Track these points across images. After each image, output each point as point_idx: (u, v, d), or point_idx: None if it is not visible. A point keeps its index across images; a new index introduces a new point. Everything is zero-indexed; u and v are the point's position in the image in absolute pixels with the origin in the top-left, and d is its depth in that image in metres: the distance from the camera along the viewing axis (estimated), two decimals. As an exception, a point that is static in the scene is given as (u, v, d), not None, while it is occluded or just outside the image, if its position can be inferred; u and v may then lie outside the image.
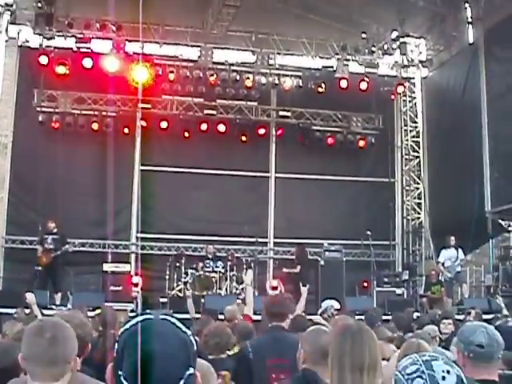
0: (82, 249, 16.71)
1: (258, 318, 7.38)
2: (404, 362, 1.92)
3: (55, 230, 14.67)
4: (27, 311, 7.94)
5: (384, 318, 9.29)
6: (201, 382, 1.63)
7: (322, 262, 15.69)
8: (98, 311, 7.40)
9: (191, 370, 1.56)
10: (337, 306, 9.43)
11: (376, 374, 2.75)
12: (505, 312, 10.31)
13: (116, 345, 1.60)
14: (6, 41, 17.61)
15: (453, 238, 15.27)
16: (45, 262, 14.30)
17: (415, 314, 10.37)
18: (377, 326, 6.51)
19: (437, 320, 8.59)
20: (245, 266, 16.11)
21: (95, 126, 17.09)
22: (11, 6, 17.27)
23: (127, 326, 1.59)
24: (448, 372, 1.84)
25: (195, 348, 1.62)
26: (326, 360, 3.08)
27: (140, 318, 1.59)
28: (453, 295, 15.30)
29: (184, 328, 1.62)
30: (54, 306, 12.16)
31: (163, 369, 1.51)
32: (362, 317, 8.20)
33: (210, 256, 15.94)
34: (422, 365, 1.86)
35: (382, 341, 5.16)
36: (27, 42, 17.39)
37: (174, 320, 1.61)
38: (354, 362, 2.74)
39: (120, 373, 1.54)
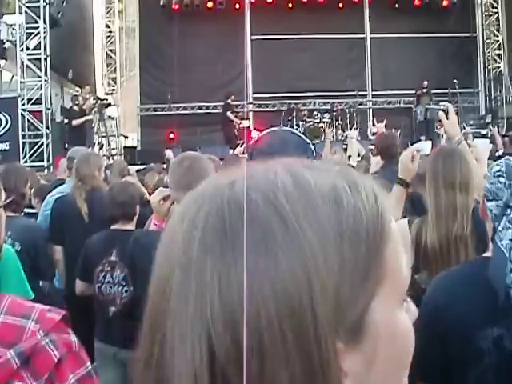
0: (205, 111, 17.69)
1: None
2: (492, 165, 2.00)
3: None
4: (164, 166, 8.24)
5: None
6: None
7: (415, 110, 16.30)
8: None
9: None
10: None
11: (469, 192, 2.70)
12: None
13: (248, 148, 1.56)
14: None
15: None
16: None
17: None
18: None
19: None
20: (348, 116, 16.56)
21: (210, 5, 17.48)
22: None
23: (256, 138, 1.63)
24: None
25: (314, 153, 1.70)
26: (424, 182, 3.21)
27: (268, 130, 1.68)
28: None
29: (304, 138, 1.70)
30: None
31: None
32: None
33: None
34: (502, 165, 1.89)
35: None
36: None
37: (295, 131, 1.68)
38: (446, 181, 2.71)
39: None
